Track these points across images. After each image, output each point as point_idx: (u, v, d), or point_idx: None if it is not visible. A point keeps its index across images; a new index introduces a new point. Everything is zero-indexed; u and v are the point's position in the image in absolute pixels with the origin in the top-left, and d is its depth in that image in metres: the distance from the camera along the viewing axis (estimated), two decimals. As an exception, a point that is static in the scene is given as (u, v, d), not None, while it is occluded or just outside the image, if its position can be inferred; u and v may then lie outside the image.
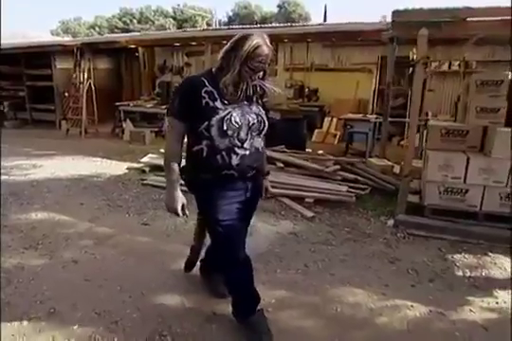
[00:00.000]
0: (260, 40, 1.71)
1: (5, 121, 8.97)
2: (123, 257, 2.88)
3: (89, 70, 7.37)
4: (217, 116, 1.74)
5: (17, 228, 3.36)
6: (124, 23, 27.16)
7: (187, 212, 1.91)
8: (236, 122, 1.76)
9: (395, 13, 3.11)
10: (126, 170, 5.21)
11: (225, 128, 1.75)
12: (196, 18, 22.36)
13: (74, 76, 7.37)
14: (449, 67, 7.08)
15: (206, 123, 1.75)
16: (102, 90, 8.39)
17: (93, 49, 7.63)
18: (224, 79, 1.73)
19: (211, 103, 1.74)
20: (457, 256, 2.95)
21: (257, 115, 1.84)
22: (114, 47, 8.00)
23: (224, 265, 2.04)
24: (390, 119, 5.62)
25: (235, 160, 1.80)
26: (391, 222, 3.50)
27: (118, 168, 5.36)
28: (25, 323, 2.12)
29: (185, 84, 1.87)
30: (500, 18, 2.85)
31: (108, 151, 6.39)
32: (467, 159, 3.36)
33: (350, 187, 4.24)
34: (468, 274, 2.70)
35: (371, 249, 3.01)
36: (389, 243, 3.11)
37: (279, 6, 28.31)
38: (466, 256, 2.96)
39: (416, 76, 3.27)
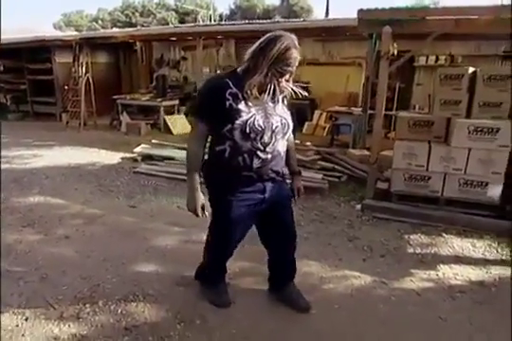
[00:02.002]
0: (290, 42, 1.66)
1: (8, 114, 9.32)
2: (110, 233, 3.21)
3: (87, 64, 7.66)
4: (240, 119, 1.72)
5: (17, 210, 3.69)
6: (127, 16, 27.39)
7: (206, 213, 1.94)
8: (259, 126, 1.74)
9: (361, 12, 3.36)
10: (120, 160, 5.53)
11: (248, 131, 1.73)
12: (198, 11, 22.51)
13: (73, 70, 7.67)
14: (436, 61, 7.28)
15: (229, 126, 1.73)
16: (101, 83, 8.69)
17: (91, 44, 7.91)
18: (250, 81, 1.69)
19: (235, 105, 1.71)
20: (413, 236, 3.24)
21: (281, 117, 1.82)
22: (112, 42, 8.25)
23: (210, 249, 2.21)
24: (371, 112, 5.85)
25: (256, 163, 1.79)
26: (359, 206, 3.78)
27: (112, 157, 5.68)
28: (21, 284, 2.45)
29: (209, 86, 1.83)
30: (453, 17, 3.09)
31: (105, 142, 6.71)
32: (429, 148, 3.62)
33: (327, 175, 4.52)
34: (419, 251, 2.99)
35: (334, 229, 3.30)
36: (352, 225, 3.41)
37: (281, -2, 28.36)
38: (422, 236, 3.25)
39: (381, 70, 3.51)
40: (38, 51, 8.53)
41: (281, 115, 1.82)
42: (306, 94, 1.86)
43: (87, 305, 2.27)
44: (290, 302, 2.24)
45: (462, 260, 2.87)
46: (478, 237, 3.25)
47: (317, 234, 3.17)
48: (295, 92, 1.81)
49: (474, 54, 6.99)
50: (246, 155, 1.78)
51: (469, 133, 3.45)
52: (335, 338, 2.04)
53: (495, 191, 3.50)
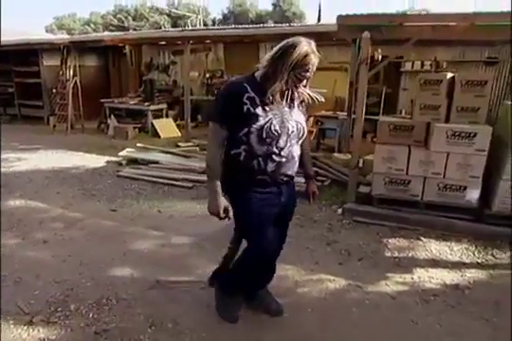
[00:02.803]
0: (308, 48, 1.67)
1: (-4, 117, 9.24)
2: (88, 237, 3.20)
3: (75, 67, 7.63)
4: (257, 124, 1.73)
5: (-5, 214, 3.66)
6: (119, 20, 27.37)
7: (230, 215, 1.89)
8: (275, 130, 1.75)
9: (340, 18, 3.40)
10: (105, 163, 5.51)
11: (264, 136, 1.74)
12: (188, 16, 22.62)
13: (60, 73, 7.64)
14: (422, 67, 7.37)
15: (245, 130, 1.74)
16: (90, 87, 8.65)
17: (80, 47, 7.88)
18: (272, 88, 1.70)
19: (253, 110, 1.72)
20: (391, 240, 3.26)
21: (297, 122, 1.83)
22: (101, 45, 8.24)
23: (245, 261, 2.03)
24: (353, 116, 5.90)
25: (271, 167, 1.80)
26: (340, 210, 3.80)
27: (97, 161, 5.65)
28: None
29: (227, 90, 1.83)
30: (430, 24, 3.14)
31: (91, 145, 6.67)
32: (409, 152, 3.66)
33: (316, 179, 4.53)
34: (396, 255, 3.00)
35: (313, 233, 3.31)
36: (332, 229, 3.42)
37: (274, 4, 28.56)
38: (400, 240, 3.27)
39: (361, 75, 3.55)
40: (26, 54, 8.49)
41: (297, 119, 1.83)
42: (323, 99, 1.85)
43: (59, 309, 2.26)
44: (263, 306, 2.24)
45: (438, 264, 2.89)
46: (456, 240, 3.28)
47: (296, 238, 3.17)
48: (311, 97, 1.82)
49: (459, 60, 7.09)
50: (260, 159, 1.79)
51: (448, 137, 3.49)
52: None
53: (473, 195, 3.54)
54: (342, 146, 6.05)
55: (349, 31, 3.43)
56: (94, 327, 2.11)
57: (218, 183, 1.84)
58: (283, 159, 1.81)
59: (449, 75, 3.69)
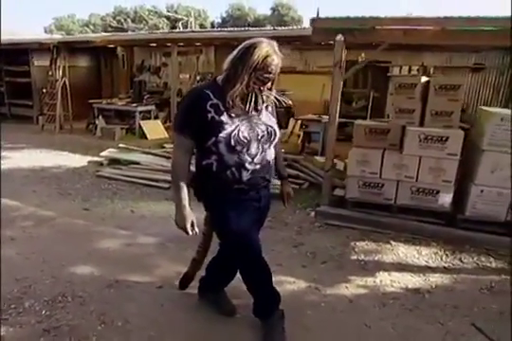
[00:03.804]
0: (269, 48, 1.61)
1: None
2: (56, 235, 3.20)
3: (64, 68, 7.66)
4: (224, 132, 1.65)
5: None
6: (118, 22, 27.52)
7: (196, 229, 1.81)
8: (244, 137, 1.68)
9: (314, 21, 3.42)
10: (86, 163, 5.50)
11: (233, 144, 1.67)
12: (180, 18, 22.78)
13: (50, 73, 7.66)
14: (409, 72, 7.40)
15: (213, 139, 1.67)
16: (81, 87, 8.70)
17: (70, 48, 7.92)
18: (231, 92, 1.62)
19: (217, 117, 1.64)
20: (360, 243, 3.25)
21: (267, 125, 1.76)
22: (93, 46, 8.27)
23: (243, 272, 2.01)
24: (342, 120, 5.90)
25: (246, 176, 1.74)
26: (313, 213, 3.79)
27: (80, 161, 5.66)
28: None
29: (189, 98, 1.75)
30: (402, 27, 3.15)
31: (77, 145, 6.68)
32: (382, 155, 3.66)
33: (289, 182, 4.53)
34: (362, 258, 2.99)
35: (282, 235, 3.30)
36: (301, 231, 3.41)
37: (272, 8, 28.74)
38: (369, 243, 3.26)
39: (334, 78, 3.56)
40: (16, 53, 8.52)
41: (266, 123, 1.76)
42: (290, 102, 1.83)
43: (12, 306, 2.25)
44: (217, 306, 2.23)
45: (403, 268, 2.88)
46: (425, 244, 3.27)
47: (263, 240, 3.10)
48: (278, 100, 1.77)
49: (446, 65, 7.14)
50: (234, 169, 1.71)
51: (420, 141, 3.49)
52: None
53: (446, 199, 3.54)
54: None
55: (323, 34, 3.44)
56: (44, 324, 2.10)
57: (185, 195, 1.75)
58: (258, 166, 1.75)
59: (424, 79, 3.70)
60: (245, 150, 1.70)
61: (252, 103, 1.69)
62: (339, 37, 3.37)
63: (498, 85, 7.05)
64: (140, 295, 2.38)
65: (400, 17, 3.11)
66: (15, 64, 8.81)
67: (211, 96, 1.66)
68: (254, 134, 1.72)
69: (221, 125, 1.65)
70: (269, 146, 1.79)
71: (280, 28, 8.02)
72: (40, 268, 2.66)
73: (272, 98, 1.75)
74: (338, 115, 3.72)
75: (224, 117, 1.66)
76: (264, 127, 1.75)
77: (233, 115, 1.67)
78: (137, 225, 3.41)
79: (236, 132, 1.67)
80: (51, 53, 7.62)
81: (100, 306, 2.26)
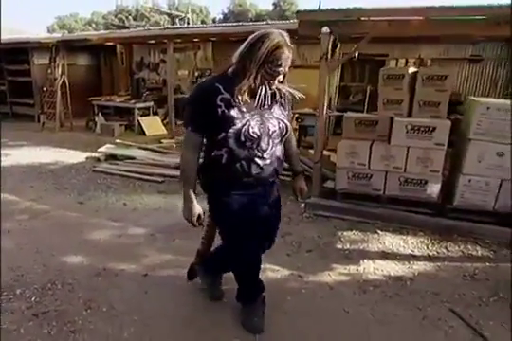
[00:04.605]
0: (280, 40, 1.54)
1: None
2: (50, 227, 3.30)
3: (63, 66, 7.74)
4: (234, 127, 1.63)
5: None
6: (120, 19, 27.63)
7: (203, 223, 1.88)
8: (254, 133, 1.65)
9: (299, 13, 3.44)
10: (84, 159, 5.59)
11: (242, 140, 1.65)
12: (178, 15, 22.83)
13: (49, 71, 7.76)
14: (406, 64, 7.37)
15: (223, 134, 1.65)
16: (81, 85, 8.80)
17: (70, 46, 8.00)
18: (239, 85, 1.58)
19: (228, 112, 1.61)
20: (347, 233, 3.29)
21: (278, 120, 1.73)
22: (92, 44, 8.34)
23: (233, 265, 2.05)
24: (338, 113, 5.94)
25: (255, 170, 1.72)
26: (303, 204, 3.83)
27: (78, 157, 5.75)
28: None
29: (198, 92, 1.71)
30: (386, 18, 3.17)
31: (76, 142, 6.79)
32: (370, 147, 3.68)
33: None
34: (347, 247, 3.04)
35: (270, 225, 3.35)
36: (290, 222, 3.46)
37: (274, 4, 28.63)
38: (356, 233, 3.30)
39: (321, 71, 3.59)
40: (17, 52, 8.63)
41: (278, 117, 1.73)
42: (303, 95, 1.77)
43: (4, 293, 2.34)
44: (209, 290, 2.29)
45: (388, 256, 2.93)
46: (413, 234, 3.31)
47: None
48: (291, 93, 1.74)
49: (443, 57, 7.09)
50: (243, 162, 1.70)
51: (407, 131, 3.51)
52: (230, 324, 2.09)
53: (434, 189, 3.56)
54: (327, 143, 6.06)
55: (309, 27, 3.46)
56: (33, 309, 2.20)
57: (192, 190, 1.77)
58: (268, 161, 1.73)
59: (412, 69, 3.71)
60: (255, 145, 1.68)
61: (263, 98, 1.65)
62: (325, 29, 3.39)
63: (496, 77, 7.00)
64: (126, 282, 2.46)
65: (384, 8, 3.12)
66: (16, 63, 8.92)
67: (222, 89, 1.62)
68: (265, 129, 1.69)
69: (231, 120, 1.63)
70: (280, 141, 1.78)
71: (272, 22, 8.02)
72: (33, 258, 2.76)
73: (284, 91, 1.71)
74: (326, 107, 3.75)
75: (234, 112, 1.63)
76: (275, 122, 1.72)
77: (244, 109, 1.64)
78: (128, 217, 3.49)
79: (246, 127, 1.64)
80: (50, 52, 7.71)
81: (87, 293, 2.34)
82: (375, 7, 3.14)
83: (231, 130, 1.63)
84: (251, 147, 1.68)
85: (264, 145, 1.70)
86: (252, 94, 1.64)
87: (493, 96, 6.83)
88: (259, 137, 1.68)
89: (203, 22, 26.04)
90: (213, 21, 28.33)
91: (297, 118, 6.47)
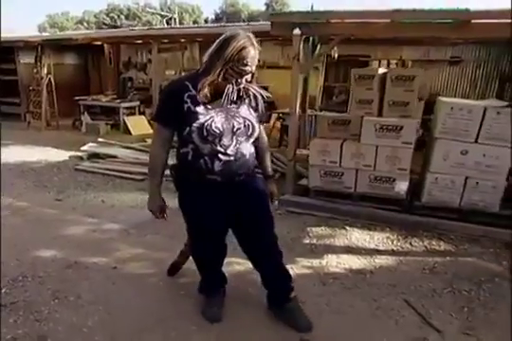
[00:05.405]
0: (246, 40, 1.64)
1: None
2: (26, 223, 3.37)
3: (49, 65, 7.79)
4: (198, 122, 1.70)
5: None
6: (112, 19, 27.59)
7: (165, 215, 1.97)
8: (217, 128, 1.72)
9: (272, 15, 3.55)
10: (67, 158, 5.65)
11: (205, 134, 1.72)
12: (183, 15, 22.88)
13: (35, 71, 7.80)
14: (388, 66, 7.51)
15: (188, 129, 1.72)
16: (68, 85, 8.82)
17: (56, 45, 8.05)
18: (203, 80, 1.66)
19: (193, 108, 1.70)
20: (316, 228, 3.40)
21: (245, 119, 1.78)
22: (79, 44, 8.39)
23: (194, 259, 2.20)
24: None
25: (218, 166, 1.77)
26: (277, 202, 3.92)
27: (61, 155, 5.81)
28: None
29: (168, 88, 1.83)
30: (356, 21, 3.28)
31: (61, 141, 6.83)
32: (341, 145, 3.79)
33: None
34: (314, 242, 3.14)
35: (242, 221, 3.45)
36: (262, 218, 3.55)
37: (266, 4, 28.76)
38: (325, 229, 3.41)
39: (293, 71, 3.69)
40: (3, 51, 8.64)
41: (245, 116, 1.78)
42: (270, 95, 1.86)
43: (-25, 286, 2.41)
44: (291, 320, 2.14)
45: (352, 251, 3.03)
46: (380, 230, 3.42)
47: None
48: (259, 93, 1.79)
49: (423, 59, 7.24)
50: (207, 158, 1.76)
51: (376, 130, 3.63)
52: (191, 314, 2.18)
53: (402, 187, 3.68)
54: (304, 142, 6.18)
55: (281, 28, 3.57)
56: (2, 300, 2.27)
57: (158, 183, 1.88)
58: (231, 158, 1.78)
59: (381, 70, 3.83)
60: (217, 140, 1.74)
61: (230, 95, 1.71)
62: (297, 31, 3.50)
63: (475, 78, 7.17)
64: (96, 274, 2.55)
65: (352, 11, 3.24)
66: (2, 62, 8.92)
67: (190, 87, 1.71)
68: (229, 126, 1.75)
69: (195, 115, 1.70)
70: (246, 139, 1.82)
71: (257, 24, 8.12)
72: (7, 253, 2.81)
73: (253, 90, 1.78)
74: (298, 107, 3.87)
75: (199, 108, 1.71)
76: (241, 120, 1.78)
77: (210, 106, 1.72)
78: (104, 214, 3.57)
79: (209, 122, 1.71)
80: (36, 51, 7.75)
81: (56, 284, 2.43)
82: (345, 10, 3.26)
83: (195, 124, 1.71)
84: (213, 142, 1.74)
85: (226, 140, 1.76)
86: (220, 92, 1.71)
87: (473, 97, 7.00)
88: (221, 133, 1.74)
89: (195, 22, 26.11)
90: (205, 21, 28.39)
91: (278, 118, 6.59)
